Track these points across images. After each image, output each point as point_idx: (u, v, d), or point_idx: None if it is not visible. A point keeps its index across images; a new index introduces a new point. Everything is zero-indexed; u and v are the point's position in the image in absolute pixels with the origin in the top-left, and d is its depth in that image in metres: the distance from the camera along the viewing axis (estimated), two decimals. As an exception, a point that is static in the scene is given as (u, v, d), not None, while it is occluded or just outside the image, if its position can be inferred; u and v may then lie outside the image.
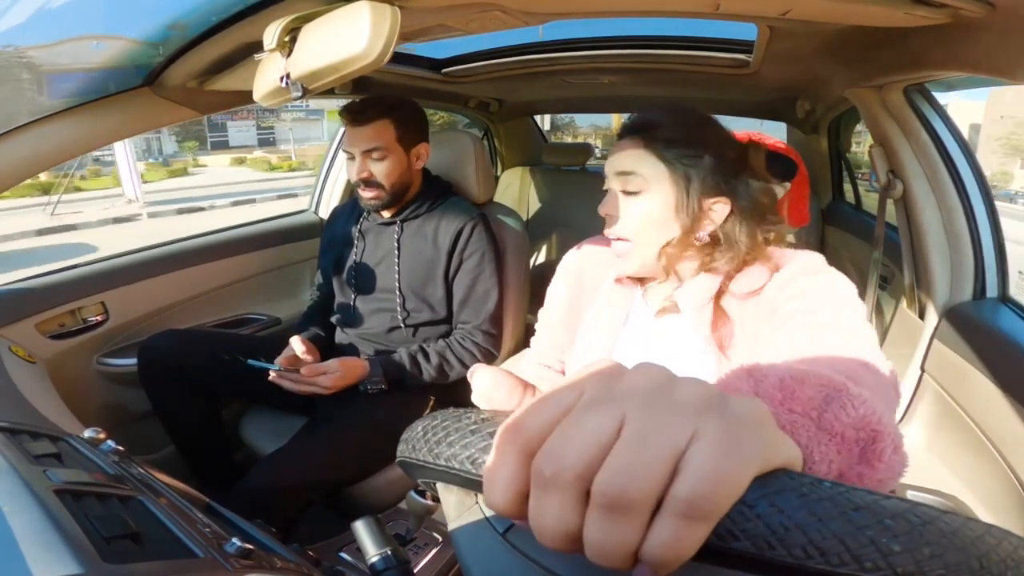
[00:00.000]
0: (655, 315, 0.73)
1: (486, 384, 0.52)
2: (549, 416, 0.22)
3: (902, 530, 0.18)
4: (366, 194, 1.19)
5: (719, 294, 0.67)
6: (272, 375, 1.07)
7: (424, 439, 0.30)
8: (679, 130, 0.67)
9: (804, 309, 0.58)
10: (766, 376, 0.43)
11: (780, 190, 0.86)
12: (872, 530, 0.18)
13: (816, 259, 0.65)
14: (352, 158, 1.17)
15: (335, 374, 1.08)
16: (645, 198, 0.67)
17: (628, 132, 0.70)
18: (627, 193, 0.68)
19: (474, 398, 0.64)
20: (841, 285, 0.61)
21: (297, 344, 1.11)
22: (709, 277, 0.68)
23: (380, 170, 1.16)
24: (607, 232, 0.72)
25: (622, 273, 0.73)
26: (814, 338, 0.55)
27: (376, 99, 1.18)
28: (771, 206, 0.70)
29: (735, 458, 0.19)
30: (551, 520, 0.20)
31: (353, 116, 1.14)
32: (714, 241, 0.68)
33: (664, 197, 0.67)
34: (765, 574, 0.19)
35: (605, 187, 0.72)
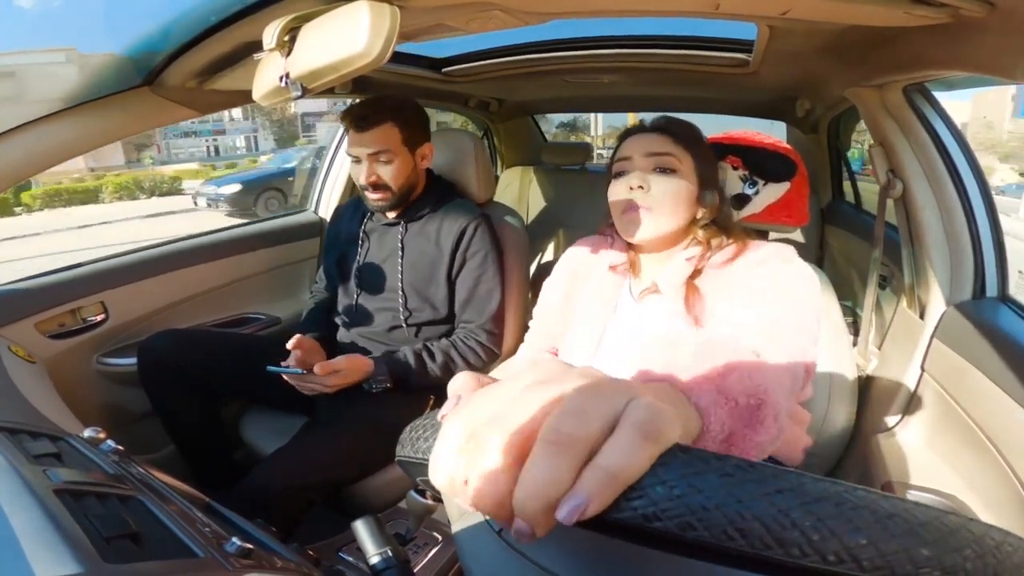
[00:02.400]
0: (638, 297, 0.80)
1: (455, 385, 0.54)
2: (491, 398, 0.25)
3: (826, 514, 0.17)
4: (373, 196, 1.19)
5: (693, 275, 0.76)
6: (286, 377, 1.07)
7: (423, 438, 0.30)
8: (696, 135, 0.82)
9: (765, 288, 0.67)
10: (710, 372, 0.50)
11: (780, 189, 0.87)
12: (797, 512, 0.18)
13: (787, 251, 0.72)
14: (358, 161, 1.17)
15: (341, 372, 1.07)
16: (677, 177, 0.77)
17: (654, 129, 0.81)
18: (661, 170, 0.77)
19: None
20: (803, 275, 0.69)
21: (305, 343, 1.12)
22: (688, 254, 0.77)
23: (387, 173, 1.17)
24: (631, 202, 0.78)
25: (637, 236, 0.78)
26: (757, 314, 0.63)
27: (378, 102, 1.17)
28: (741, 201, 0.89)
29: (652, 411, 0.22)
30: (485, 484, 0.22)
31: (356, 121, 1.14)
32: (711, 224, 0.80)
33: (688, 182, 0.78)
34: (691, 555, 0.19)
35: (621, 170, 0.80)
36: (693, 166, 0.78)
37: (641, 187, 0.76)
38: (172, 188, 15.31)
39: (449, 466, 0.24)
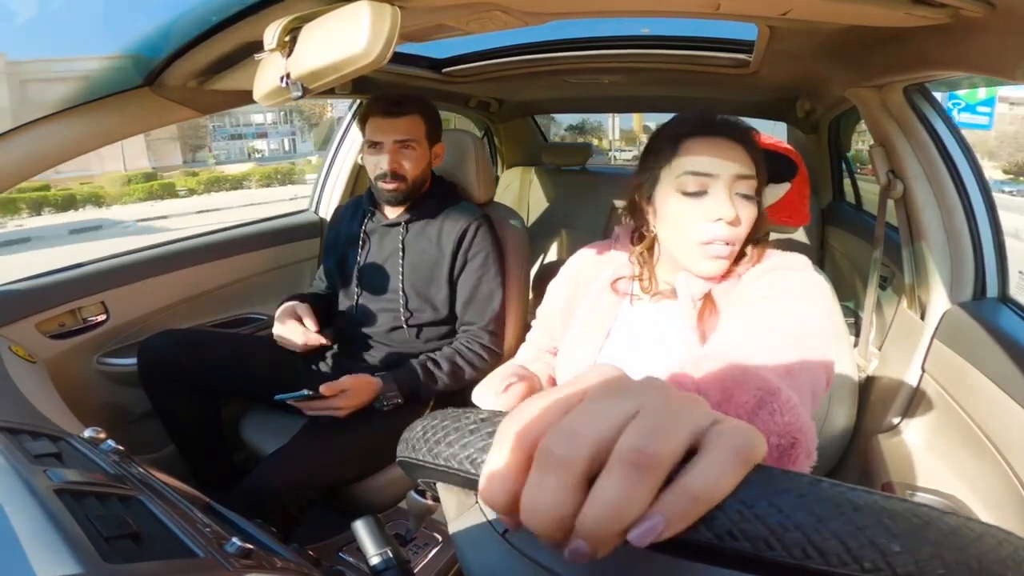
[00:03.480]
0: (651, 299, 0.75)
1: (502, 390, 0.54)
2: (553, 410, 0.23)
3: (902, 530, 0.18)
4: (389, 186, 1.20)
5: (720, 281, 0.69)
6: (295, 403, 1.05)
7: (423, 439, 0.30)
8: (757, 144, 0.69)
9: (765, 297, 0.62)
10: (713, 373, 0.48)
11: (780, 190, 0.86)
12: (872, 530, 0.18)
13: (797, 259, 0.68)
14: (377, 148, 1.18)
15: (348, 392, 1.05)
16: (755, 205, 0.67)
17: (734, 135, 0.67)
18: (745, 197, 0.66)
19: (475, 397, 0.66)
20: (810, 282, 0.64)
21: (299, 311, 1.16)
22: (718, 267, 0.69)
23: (409, 162, 1.19)
24: (718, 237, 0.66)
25: (713, 274, 0.68)
26: (765, 327, 0.59)
27: (406, 95, 1.22)
28: None
29: (748, 436, 0.21)
30: (549, 501, 0.20)
31: (389, 108, 1.18)
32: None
33: (758, 205, 0.68)
34: (763, 574, 0.19)
35: (699, 188, 0.66)
36: (760, 186, 0.68)
37: (732, 224, 0.64)
38: (298, 178, 20.46)
39: (507, 481, 0.22)
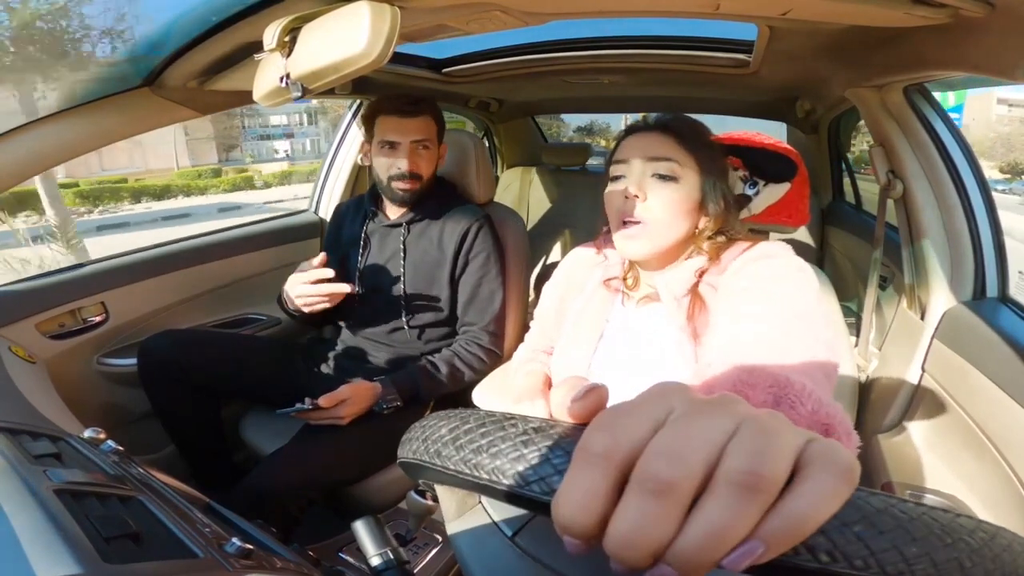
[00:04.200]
0: (637, 304, 0.76)
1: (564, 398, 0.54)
2: (641, 427, 0.21)
3: (977, 546, 0.18)
4: (405, 185, 1.20)
5: (698, 281, 0.70)
6: (297, 415, 1.04)
7: (455, 444, 0.27)
8: (704, 137, 0.75)
9: (747, 288, 0.63)
10: (720, 379, 0.46)
11: (780, 190, 0.86)
12: (954, 549, 0.18)
13: (775, 246, 0.68)
14: (394, 148, 1.18)
15: (348, 401, 1.05)
16: (678, 186, 0.70)
17: (657, 128, 0.74)
18: (660, 177, 0.70)
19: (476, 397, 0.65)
20: (791, 266, 0.64)
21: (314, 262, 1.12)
22: (693, 261, 0.72)
23: (425, 161, 1.21)
24: (623, 215, 0.72)
25: (631, 254, 0.73)
26: (757, 323, 0.58)
27: (418, 96, 1.22)
28: (742, 203, 0.83)
29: (848, 455, 0.20)
30: (652, 528, 0.19)
31: (405, 107, 1.18)
32: (716, 235, 0.74)
33: (691, 190, 0.71)
34: None
35: (617, 173, 0.73)
36: (697, 172, 0.71)
37: (637, 196, 0.70)
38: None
39: (595, 504, 0.20)
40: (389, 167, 1.19)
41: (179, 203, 17.45)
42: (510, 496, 0.24)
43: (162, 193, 18.47)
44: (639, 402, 0.22)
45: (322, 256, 1.12)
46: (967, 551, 0.18)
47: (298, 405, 1.02)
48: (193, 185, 19.55)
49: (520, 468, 0.24)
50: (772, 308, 0.59)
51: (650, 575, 0.19)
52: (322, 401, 1.02)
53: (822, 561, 0.18)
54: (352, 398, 1.06)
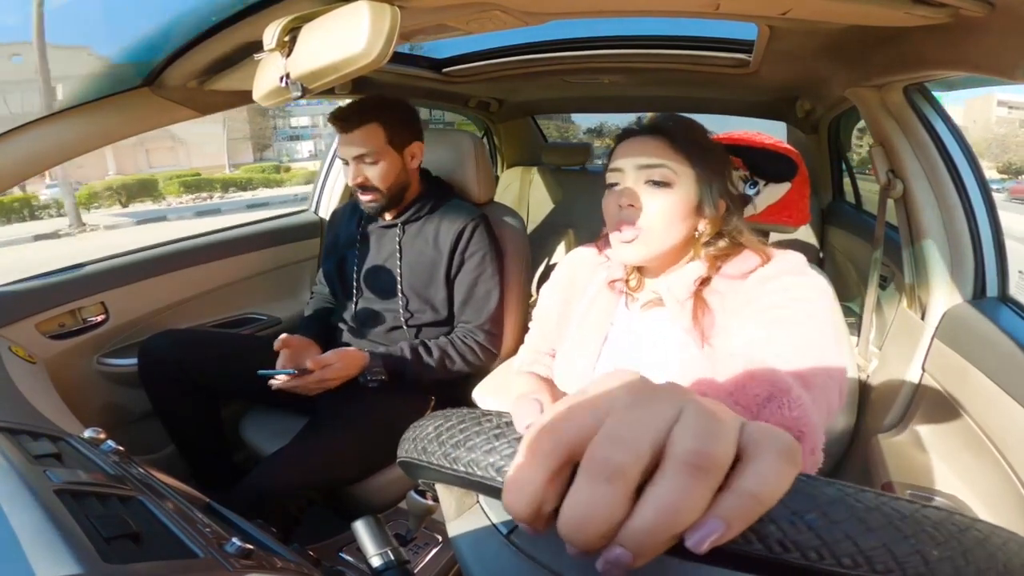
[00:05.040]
0: (641, 309, 0.76)
1: (524, 391, 0.54)
2: (584, 416, 0.22)
3: (943, 538, 0.18)
4: (364, 198, 1.19)
5: (702, 285, 0.70)
6: (280, 380, 1.05)
7: (438, 440, 0.28)
8: (700, 138, 0.72)
9: (778, 304, 0.63)
10: (725, 368, 0.48)
11: (780, 190, 0.86)
12: (915, 539, 0.18)
13: (799, 260, 0.69)
14: (347, 163, 1.17)
15: (335, 365, 1.07)
16: (671, 192, 0.69)
17: (650, 131, 0.72)
18: (653, 183, 0.69)
19: (476, 396, 0.65)
20: (817, 287, 0.65)
21: (293, 341, 1.11)
22: (694, 266, 0.71)
23: (374, 174, 1.16)
24: (620, 226, 0.71)
25: (627, 260, 0.73)
26: (781, 332, 0.59)
27: (361, 103, 1.16)
28: (743, 202, 0.81)
29: (787, 437, 0.21)
30: (602, 510, 0.19)
31: (340, 123, 1.14)
32: (716, 238, 0.72)
33: (686, 194, 0.69)
34: None
35: (612, 181, 0.72)
36: (693, 175, 0.69)
37: (632, 205, 0.69)
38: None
39: (536, 489, 0.21)
40: (348, 180, 1.19)
41: (259, 194, 20.23)
42: (483, 487, 0.25)
43: (245, 184, 21.41)
44: (580, 394, 0.23)
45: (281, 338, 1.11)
46: (931, 544, 0.18)
47: (282, 370, 1.05)
48: (272, 178, 22.42)
49: (492, 460, 0.25)
50: (799, 331, 0.60)
51: (604, 556, 0.20)
52: (311, 363, 1.04)
53: (771, 547, 0.19)
54: (339, 363, 1.07)
